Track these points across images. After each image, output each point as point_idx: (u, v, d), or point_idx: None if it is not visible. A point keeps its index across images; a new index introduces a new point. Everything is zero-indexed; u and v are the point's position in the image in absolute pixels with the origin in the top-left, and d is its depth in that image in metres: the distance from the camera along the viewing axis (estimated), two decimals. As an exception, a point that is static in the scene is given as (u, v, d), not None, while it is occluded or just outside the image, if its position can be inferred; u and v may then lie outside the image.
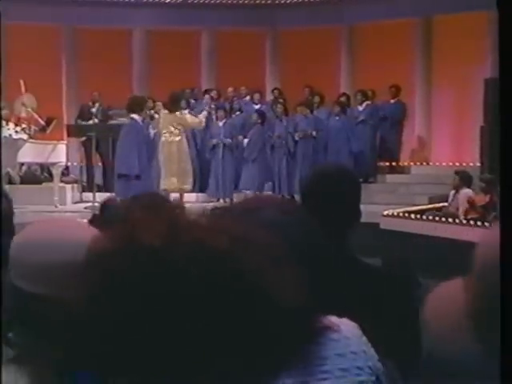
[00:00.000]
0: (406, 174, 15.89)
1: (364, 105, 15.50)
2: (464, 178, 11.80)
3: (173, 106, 13.55)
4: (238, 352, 0.95)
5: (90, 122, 14.63)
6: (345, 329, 1.71)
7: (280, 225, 1.63)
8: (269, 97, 16.81)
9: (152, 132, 13.04)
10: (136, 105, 12.42)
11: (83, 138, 14.59)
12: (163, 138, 13.39)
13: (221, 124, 14.54)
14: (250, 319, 0.95)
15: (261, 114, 14.88)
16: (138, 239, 0.92)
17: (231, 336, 0.94)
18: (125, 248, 0.92)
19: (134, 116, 12.28)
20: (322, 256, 1.69)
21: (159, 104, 14.56)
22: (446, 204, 12.15)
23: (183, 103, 14.47)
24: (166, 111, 13.60)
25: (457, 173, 12.15)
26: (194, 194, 14.38)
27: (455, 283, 1.13)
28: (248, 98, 16.30)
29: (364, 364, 1.67)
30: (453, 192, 11.99)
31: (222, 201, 14.17)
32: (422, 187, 14.77)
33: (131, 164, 11.98)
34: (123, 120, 14.57)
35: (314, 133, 14.30)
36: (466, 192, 11.59)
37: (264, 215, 1.64)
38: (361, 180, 14.33)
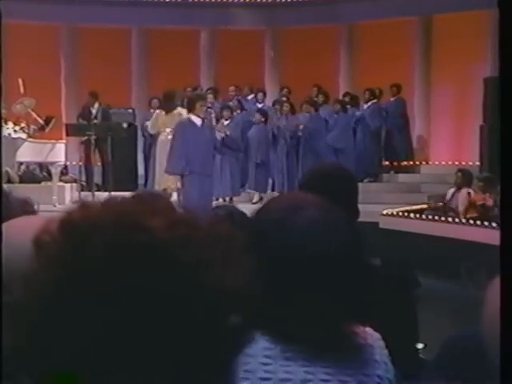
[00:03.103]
0: (409, 174, 15.85)
1: (369, 103, 15.54)
2: (466, 177, 11.82)
3: (166, 104, 13.49)
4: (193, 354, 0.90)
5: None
6: (369, 337, 1.73)
7: (326, 225, 1.63)
8: (269, 96, 16.80)
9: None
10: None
11: (84, 138, 14.54)
12: (161, 137, 13.38)
13: (226, 123, 14.51)
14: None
15: (263, 113, 14.88)
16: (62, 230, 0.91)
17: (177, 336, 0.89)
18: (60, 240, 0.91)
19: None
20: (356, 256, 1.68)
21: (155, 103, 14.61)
22: (443, 203, 12.15)
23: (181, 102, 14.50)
24: (163, 111, 13.60)
25: (460, 171, 12.16)
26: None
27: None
28: (251, 96, 16.32)
29: (384, 374, 1.70)
30: (452, 190, 12.00)
31: (221, 200, 14.16)
32: (421, 186, 14.79)
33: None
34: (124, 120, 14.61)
35: (304, 130, 14.27)
36: (467, 191, 11.59)
37: (307, 215, 1.63)
38: (366, 179, 14.53)
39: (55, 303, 0.88)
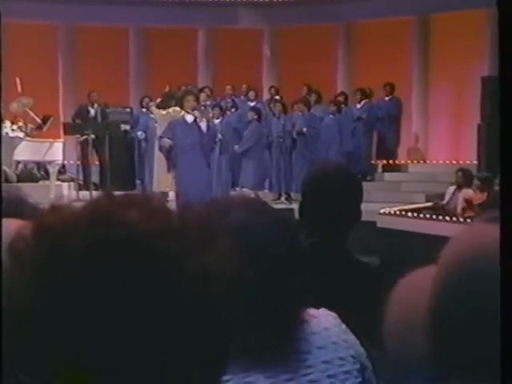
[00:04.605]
0: (403, 173, 15.92)
1: (362, 103, 15.54)
2: (467, 176, 11.83)
3: (165, 104, 13.51)
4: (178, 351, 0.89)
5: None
6: (323, 320, 1.69)
7: (253, 226, 1.57)
8: (266, 94, 16.79)
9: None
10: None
11: (82, 137, 14.51)
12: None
13: (217, 122, 14.52)
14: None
15: (256, 110, 14.89)
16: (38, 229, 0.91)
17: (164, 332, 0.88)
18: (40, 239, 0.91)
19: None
20: (303, 256, 1.63)
21: (153, 103, 14.58)
22: (441, 202, 12.17)
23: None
24: (161, 110, 13.60)
25: (460, 170, 12.17)
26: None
27: (425, 272, 1.05)
28: (243, 95, 16.33)
29: (346, 354, 1.65)
30: (452, 189, 12.02)
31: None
32: (419, 185, 14.78)
33: None
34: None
35: (310, 130, 14.28)
36: (466, 191, 11.61)
37: (236, 217, 1.57)
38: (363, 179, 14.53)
39: (38, 309, 0.88)
